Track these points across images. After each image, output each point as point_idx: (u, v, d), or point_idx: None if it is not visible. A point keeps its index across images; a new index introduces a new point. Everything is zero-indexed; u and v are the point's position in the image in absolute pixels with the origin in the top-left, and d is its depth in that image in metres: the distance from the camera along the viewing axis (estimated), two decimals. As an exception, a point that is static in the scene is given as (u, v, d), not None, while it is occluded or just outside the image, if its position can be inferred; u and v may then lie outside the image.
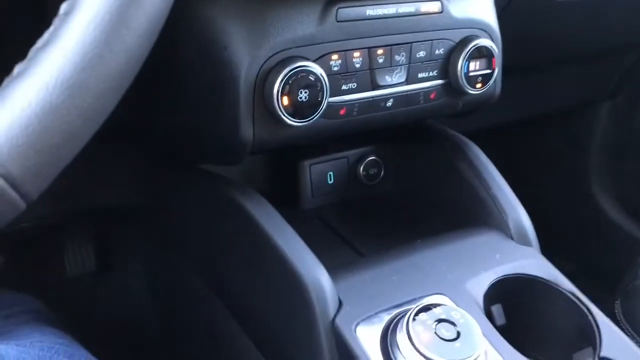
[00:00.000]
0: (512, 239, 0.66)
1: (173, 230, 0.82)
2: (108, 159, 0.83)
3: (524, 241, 0.66)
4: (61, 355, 0.52)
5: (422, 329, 0.50)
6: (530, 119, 1.19)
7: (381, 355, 0.52)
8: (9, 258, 0.97)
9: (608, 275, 0.86)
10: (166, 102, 0.68)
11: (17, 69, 0.27)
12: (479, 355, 0.49)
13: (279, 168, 0.81)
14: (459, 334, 0.50)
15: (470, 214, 0.71)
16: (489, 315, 0.61)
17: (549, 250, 0.66)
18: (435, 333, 0.50)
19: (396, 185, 0.82)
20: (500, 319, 0.62)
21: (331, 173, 0.80)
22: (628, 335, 0.58)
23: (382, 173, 0.81)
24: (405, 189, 0.81)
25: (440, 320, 0.51)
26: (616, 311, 0.71)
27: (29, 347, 0.50)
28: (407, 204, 0.80)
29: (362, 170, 0.81)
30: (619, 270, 0.80)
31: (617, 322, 0.62)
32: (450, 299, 0.57)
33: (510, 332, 0.58)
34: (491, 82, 0.68)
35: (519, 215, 0.67)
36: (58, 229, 1.01)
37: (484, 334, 0.55)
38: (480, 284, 0.60)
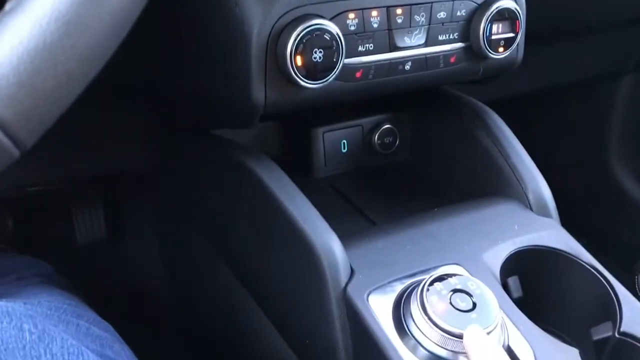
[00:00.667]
0: (531, 209, 0.64)
1: (184, 197, 0.81)
2: (118, 125, 0.81)
3: (544, 212, 0.64)
4: (69, 315, 0.51)
5: (436, 299, 0.49)
6: (549, 89, 1.16)
7: (394, 325, 0.50)
8: (18, 224, 0.97)
9: (627, 251, 0.84)
10: (174, 64, 0.65)
11: (8, 5, 0.24)
12: (495, 327, 0.48)
13: (292, 136, 0.79)
14: (475, 304, 0.49)
15: (488, 184, 0.68)
16: (506, 287, 0.59)
17: (565, 225, 0.64)
18: (451, 303, 0.49)
19: (412, 155, 0.80)
20: (517, 292, 0.60)
21: (345, 141, 0.78)
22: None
23: (397, 142, 0.79)
24: (421, 158, 0.79)
25: (455, 291, 0.50)
26: (637, 286, 0.69)
27: (36, 306, 0.50)
28: (422, 174, 0.78)
29: (377, 138, 0.78)
30: (638, 246, 0.78)
31: (638, 298, 0.60)
32: (466, 270, 0.56)
33: (527, 305, 0.56)
34: (514, 46, 0.65)
35: (539, 185, 0.64)
36: (66, 196, 1.00)
37: (500, 306, 0.53)
38: (497, 255, 0.58)
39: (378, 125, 0.78)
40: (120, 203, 1.04)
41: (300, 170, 0.76)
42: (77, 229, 1.02)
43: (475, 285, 0.50)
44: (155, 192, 0.93)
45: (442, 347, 0.48)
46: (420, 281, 0.51)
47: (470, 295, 0.49)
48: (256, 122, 0.58)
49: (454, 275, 0.51)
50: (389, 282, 0.54)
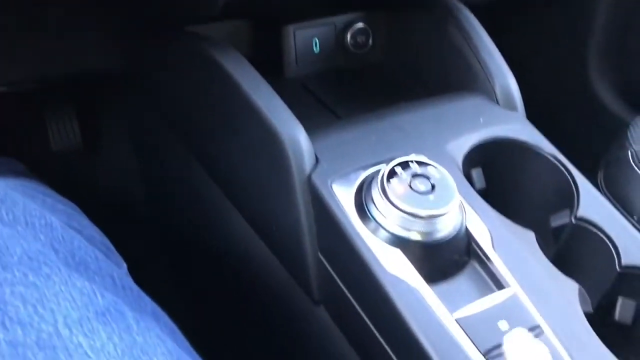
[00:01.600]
0: (498, 103, 0.64)
1: (156, 96, 0.81)
2: (87, 21, 0.79)
3: (510, 106, 0.64)
4: (35, 192, 0.52)
5: (396, 183, 0.50)
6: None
7: (356, 210, 0.52)
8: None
9: (595, 157, 0.85)
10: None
11: None
12: (453, 208, 0.49)
13: (263, 34, 0.78)
14: (433, 186, 0.50)
15: (458, 81, 0.68)
16: (469, 179, 0.60)
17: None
18: (410, 186, 0.50)
19: (385, 55, 0.80)
20: (480, 183, 0.61)
21: (317, 40, 0.77)
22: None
23: (370, 41, 0.78)
24: (394, 58, 0.79)
25: (416, 175, 0.51)
26: (599, 181, 0.71)
27: (1, 181, 0.50)
28: (395, 73, 0.78)
29: (350, 37, 0.77)
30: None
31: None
32: (429, 160, 0.56)
33: (489, 196, 0.57)
34: None
35: (506, 79, 0.64)
36: (39, 102, 0.99)
37: (462, 196, 0.54)
38: (461, 147, 0.59)
39: (351, 23, 0.77)
40: (94, 110, 1.04)
41: (272, 70, 0.75)
42: (51, 136, 1.01)
43: (435, 170, 0.51)
44: (128, 96, 0.92)
45: (401, 227, 0.49)
46: (382, 168, 0.52)
47: (429, 179, 0.50)
48: (220, 11, 0.57)
49: (415, 161, 0.52)
50: (353, 171, 0.55)
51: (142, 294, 0.44)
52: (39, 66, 0.77)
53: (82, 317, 0.34)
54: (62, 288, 0.35)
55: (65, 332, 0.33)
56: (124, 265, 0.51)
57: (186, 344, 0.43)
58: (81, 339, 0.33)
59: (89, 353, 0.32)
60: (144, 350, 0.35)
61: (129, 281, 0.44)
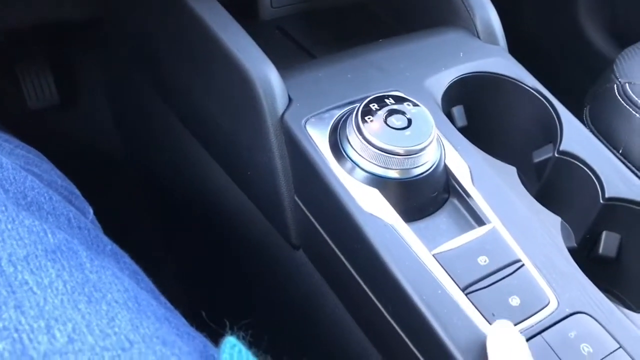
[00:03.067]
0: (478, 38, 0.62)
1: (129, 43, 0.78)
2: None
3: (491, 40, 0.62)
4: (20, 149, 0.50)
5: (372, 119, 0.48)
6: None
7: (330, 150, 0.50)
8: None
9: (581, 95, 0.84)
10: None
11: None
12: (430, 143, 0.47)
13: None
14: (410, 122, 0.48)
15: (439, 17, 0.66)
16: (450, 117, 0.59)
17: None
18: (386, 123, 0.48)
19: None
20: (461, 120, 0.59)
21: (292, -21, 0.74)
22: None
23: (348, -20, 0.75)
24: (373, -3, 0.76)
25: (391, 112, 0.49)
26: (584, 116, 0.69)
27: None
28: (374, 14, 0.75)
29: (327, -24, 0.74)
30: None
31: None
32: (407, 96, 0.54)
33: (471, 133, 0.56)
34: None
35: (487, 12, 0.62)
36: (11, 56, 0.96)
37: (442, 133, 0.53)
38: (440, 82, 0.57)
39: (327, -39, 0.74)
40: (68, 63, 1.00)
41: (246, 13, 0.73)
42: (26, 93, 0.98)
43: (411, 105, 0.49)
44: (102, 46, 0.89)
45: (377, 165, 0.48)
46: (357, 106, 0.50)
47: (405, 114, 0.49)
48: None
49: (390, 96, 0.50)
50: (327, 110, 0.53)
51: (101, 235, 0.43)
52: (9, 16, 0.73)
53: (29, 255, 0.33)
54: (9, 226, 0.33)
55: (9, 269, 0.31)
56: (90, 211, 0.50)
57: (150, 285, 0.42)
58: (27, 275, 0.32)
59: (35, 289, 0.31)
60: (96, 287, 0.34)
61: (87, 223, 0.43)
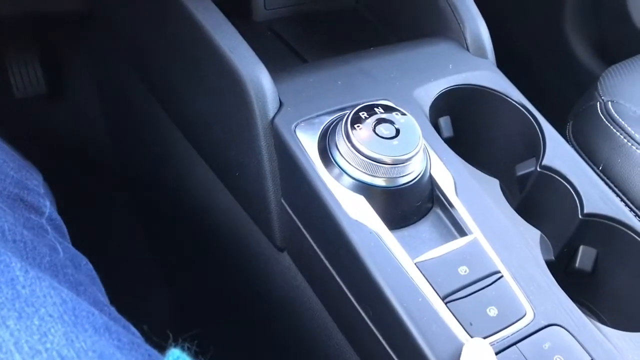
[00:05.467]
0: (468, 50, 0.63)
1: (119, 37, 0.78)
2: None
3: (480, 53, 0.63)
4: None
5: (360, 128, 0.49)
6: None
7: (319, 155, 0.51)
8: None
9: (566, 109, 0.85)
10: None
11: None
12: (417, 153, 0.48)
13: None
14: (398, 131, 0.49)
15: (429, 27, 0.67)
16: (437, 127, 0.60)
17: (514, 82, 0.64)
18: (375, 132, 0.49)
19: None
20: (448, 131, 0.61)
21: (286, -18, 0.74)
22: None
23: (341, -15, 0.76)
24: (366, 3, 0.76)
25: (380, 120, 0.50)
26: (567, 132, 0.71)
27: None
28: (366, 19, 0.76)
29: (320, -19, 0.75)
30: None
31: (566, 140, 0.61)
32: (396, 105, 0.55)
33: (457, 144, 0.57)
34: None
35: (477, 25, 0.63)
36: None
37: (428, 143, 0.53)
38: (428, 93, 0.58)
39: (321, -34, 0.74)
40: (57, 53, 1.00)
41: (240, 13, 0.73)
42: (13, 82, 0.98)
43: (399, 115, 0.50)
44: (91, 38, 0.89)
45: (364, 173, 0.48)
46: (347, 113, 0.50)
47: (394, 124, 0.49)
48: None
49: (380, 105, 0.51)
50: (317, 115, 0.53)
51: (39, 245, 0.41)
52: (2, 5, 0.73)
53: None
54: None
55: None
56: (47, 205, 0.49)
57: (95, 294, 0.41)
58: None
59: None
60: (28, 302, 0.33)
61: (24, 234, 0.41)
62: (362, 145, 0.48)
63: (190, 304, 0.77)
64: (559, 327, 0.45)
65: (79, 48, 0.98)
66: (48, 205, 0.49)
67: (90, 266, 0.49)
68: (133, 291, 0.55)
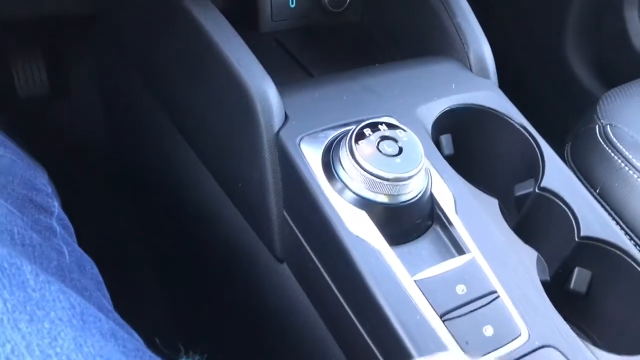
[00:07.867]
0: (470, 70, 0.64)
1: (125, 42, 0.78)
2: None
3: (483, 73, 0.64)
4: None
5: (364, 144, 0.49)
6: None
7: (322, 170, 0.51)
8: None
9: (565, 130, 0.86)
10: None
11: None
12: (419, 171, 0.49)
13: (239, -14, 0.76)
14: (401, 150, 0.50)
15: (433, 44, 0.68)
16: (438, 144, 0.61)
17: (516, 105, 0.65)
18: (378, 149, 0.49)
19: (362, 15, 0.78)
20: (449, 149, 0.61)
21: (293, -5, 0.75)
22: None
23: (347, 0, 0.77)
24: (371, 19, 0.77)
25: (384, 138, 0.50)
26: (565, 154, 0.71)
27: None
28: (371, 35, 0.77)
29: (327, -5, 0.76)
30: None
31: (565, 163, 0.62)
32: (398, 122, 0.56)
33: (457, 162, 0.58)
34: None
35: (481, 45, 0.64)
36: (3, 42, 0.95)
37: (430, 161, 0.54)
38: (431, 111, 0.59)
39: (328, -20, 0.75)
40: (61, 53, 1.00)
41: (246, 24, 0.74)
42: (17, 81, 0.98)
43: (403, 133, 0.51)
44: (96, 42, 0.90)
45: (366, 189, 0.49)
46: (351, 129, 0.51)
47: (397, 141, 0.50)
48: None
49: (384, 123, 0.51)
50: (322, 130, 0.54)
51: (47, 249, 0.42)
52: (7, 8, 0.74)
53: None
54: None
55: None
56: (55, 205, 0.49)
57: (100, 299, 0.42)
58: None
59: None
60: (39, 305, 0.33)
61: (31, 236, 0.41)
62: (366, 161, 0.49)
63: (188, 312, 0.77)
64: (552, 349, 0.46)
65: (83, 50, 0.98)
66: (56, 206, 0.49)
67: (95, 270, 0.49)
68: (130, 297, 0.55)
